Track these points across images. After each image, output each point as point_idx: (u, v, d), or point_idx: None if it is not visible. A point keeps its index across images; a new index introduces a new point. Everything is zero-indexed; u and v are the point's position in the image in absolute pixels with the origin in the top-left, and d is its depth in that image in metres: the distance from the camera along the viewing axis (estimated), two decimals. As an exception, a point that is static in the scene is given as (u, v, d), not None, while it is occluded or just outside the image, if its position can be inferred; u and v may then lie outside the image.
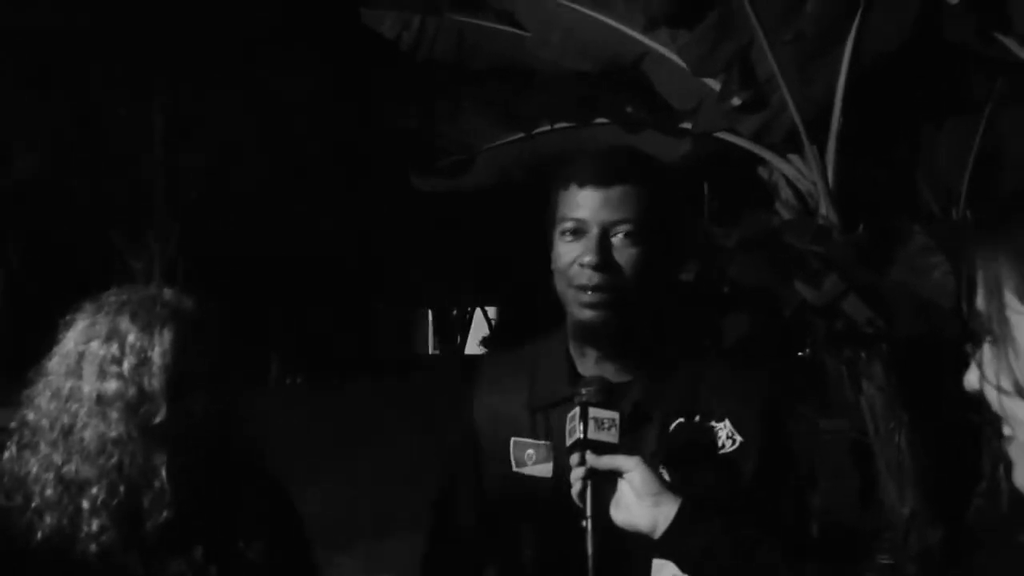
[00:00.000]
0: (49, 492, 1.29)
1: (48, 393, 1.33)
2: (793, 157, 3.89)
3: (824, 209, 3.74)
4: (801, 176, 3.87)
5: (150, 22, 10.17)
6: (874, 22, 3.48)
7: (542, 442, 1.43)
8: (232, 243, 12.31)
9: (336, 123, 11.31)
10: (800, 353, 5.71)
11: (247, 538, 1.38)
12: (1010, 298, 0.81)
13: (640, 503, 1.26)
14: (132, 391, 1.29)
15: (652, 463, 1.33)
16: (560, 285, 1.40)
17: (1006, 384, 0.83)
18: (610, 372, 1.40)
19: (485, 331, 21.93)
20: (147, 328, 1.31)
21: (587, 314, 1.37)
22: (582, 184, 1.37)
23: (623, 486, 1.27)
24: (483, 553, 1.58)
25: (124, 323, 1.32)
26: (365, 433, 9.26)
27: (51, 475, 1.30)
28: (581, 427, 1.28)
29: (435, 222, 12.31)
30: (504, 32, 4.28)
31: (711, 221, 4.26)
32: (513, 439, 1.45)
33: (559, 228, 1.39)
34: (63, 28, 9.93)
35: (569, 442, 1.29)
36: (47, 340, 1.40)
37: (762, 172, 4.19)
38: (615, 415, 1.28)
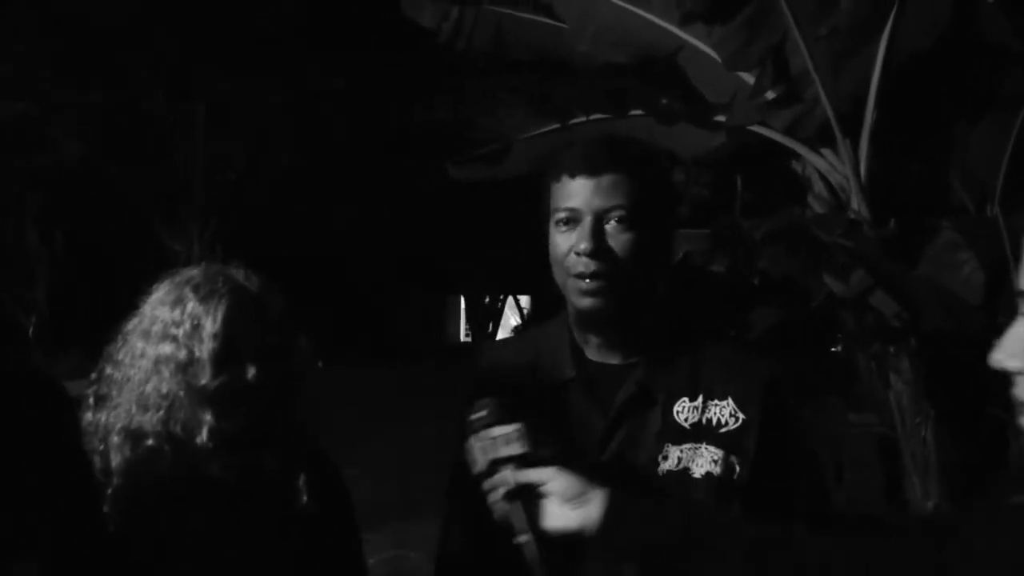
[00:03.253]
0: (117, 440, 1.41)
1: (123, 351, 1.47)
2: (826, 151, 3.90)
3: (855, 203, 3.76)
4: (833, 170, 3.89)
5: (189, 12, 10.34)
6: (909, 17, 3.48)
7: (547, 425, 1.46)
8: (266, 229, 12.48)
9: (371, 112, 11.41)
10: (833, 349, 5.71)
11: (299, 495, 1.48)
12: None
13: (567, 507, 1.25)
14: (183, 354, 1.41)
15: (658, 443, 1.38)
16: (558, 275, 1.44)
17: None
18: (614, 356, 1.44)
19: (517, 319, 22.00)
20: (206, 300, 1.43)
21: (586, 301, 1.40)
22: (573, 174, 1.40)
23: (547, 494, 1.26)
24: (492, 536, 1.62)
25: (188, 294, 1.44)
26: (393, 417, 9.39)
27: (119, 424, 1.42)
28: (484, 453, 1.29)
29: (468, 211, 12.38)
30: (541, 23, 4.33)
31: (743, 214, 4.29)
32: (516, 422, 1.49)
33: (553, 219, 1.42)
34: (105, 17, 10.13)
35: (476, 471, 1.30)
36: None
37: (795, 166, 4.21)
38: (516, 427, 1.29)
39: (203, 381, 1.40)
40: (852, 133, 3.76)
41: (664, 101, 4.17)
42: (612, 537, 1.24)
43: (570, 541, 1.26)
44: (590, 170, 1.39)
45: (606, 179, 1.38)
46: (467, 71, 5.41)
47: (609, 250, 1.38)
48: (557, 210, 1.42)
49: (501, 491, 1.28)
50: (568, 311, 1.48)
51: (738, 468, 1.37)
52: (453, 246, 15.30)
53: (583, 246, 1.38)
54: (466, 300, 23.62)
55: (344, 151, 11.85)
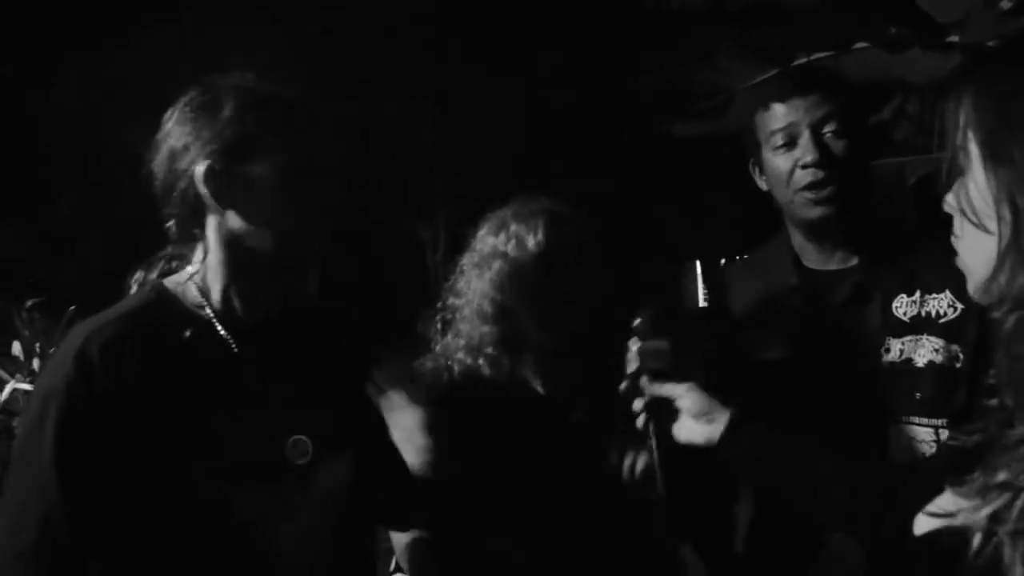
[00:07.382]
0: (461, 355, 1.71)
1: (461, 280, 1.78)
2: (1079, 58, 3.62)
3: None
4: (1089, 78, 3.60)
5: (417, 17, 10.96)
6: None
7: (776, 329, 1.59)
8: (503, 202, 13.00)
9: (593, 77, 11.57)
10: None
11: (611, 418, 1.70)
12: (970, 136, 0.95)
13: (696, 421, 1.42)
14: (511, 268, 1.67)
15: (878, 337, 1.46)
16: (782, 195, 1.56)
17: (965, 205, 0.99)
18: (833, 261, 1.54)
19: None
20: (525, 220, 1.70)
21: (817, 211, 1.52)
22: (782, 97, 1.54)
23: (680, 408, 1.42)
24: None
25: (509, 219, 1.72)
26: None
27: (463, 341, 1.73)
28: (635, 360, 1.42)
29: (703, 170, 12.26)
30: (756, -33, 4.31)
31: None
32: (745, 330, 1.64)
33: (769, 144, 1.55)
34: (346, 30, 10.97)
35: (626, 378, 1.45)
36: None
37: (1044, 79, 3.92)
38: (664, 343, 1.42)
39: (530, 289, 1.64)
40: (1108, 34, 3.48)
41: (893, 30, 4.02)
42: (727, 451, 1.41)
43: (693, 454, 1.43)
44: (799, 90, 1.52)
45: (815, 95, 1.51)
46: (683, 25, 5.46)
47: (832, 158, 1.50)
48: (773, 133, 1.55)
49: (638, 401, 1.42)
50: (786, 230, 1.61)
51: (961, 356, 1.43)
52: (687, 208, 15.17)
53: (809, 158, 1.51)
54: (701, 264, 23.24)
55: (569, 123, 12.10)
